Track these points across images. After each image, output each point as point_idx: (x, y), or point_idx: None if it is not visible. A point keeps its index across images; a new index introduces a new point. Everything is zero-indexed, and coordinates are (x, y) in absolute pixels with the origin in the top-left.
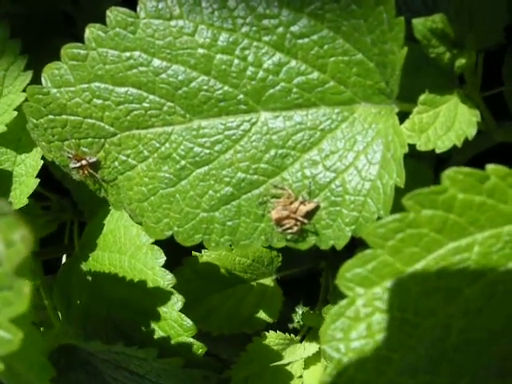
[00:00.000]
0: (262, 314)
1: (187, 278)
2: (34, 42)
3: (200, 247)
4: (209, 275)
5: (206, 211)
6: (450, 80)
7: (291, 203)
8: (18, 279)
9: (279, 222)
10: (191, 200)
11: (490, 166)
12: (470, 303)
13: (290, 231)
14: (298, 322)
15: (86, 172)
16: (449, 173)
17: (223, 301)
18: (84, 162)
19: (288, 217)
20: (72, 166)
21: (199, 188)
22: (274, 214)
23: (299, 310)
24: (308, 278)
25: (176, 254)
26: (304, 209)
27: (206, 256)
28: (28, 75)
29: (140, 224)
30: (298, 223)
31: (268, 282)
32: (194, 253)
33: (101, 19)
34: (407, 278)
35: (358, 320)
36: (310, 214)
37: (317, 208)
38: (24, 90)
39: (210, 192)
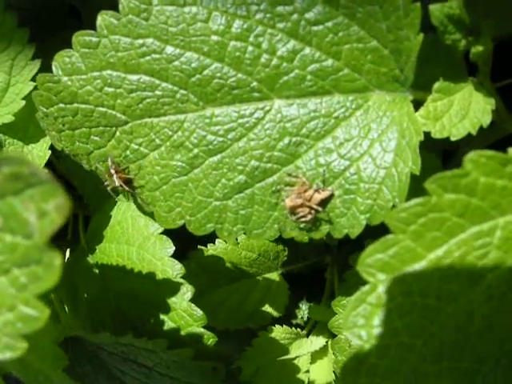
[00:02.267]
0: (267, 309)
1: (193, 272)
2: (39, 35)
3: (206, 241)
4: (214, 269)
5: (218, 200)
6: (462, 70)
7: (305, 191)
8: (49, 251)
9: (293, 210)
10: (204, 189)
11: (511, 149)
12: (493, 289)
13: (303, 219)
14: (302, 317)
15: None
16: (471, 156)
17: (229, 295)
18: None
19: (302, 205)
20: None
21: (212, 176)
22: (288, 202)
23: (303, 306)
24: (311, 274)
25: (182, 248)
26: (318, 197)
27: (211, 250)
28: (36, 64)
29: (151, 213)
30: (313, 211)
31: (274, 276)
32: (199, 247)
33: None
34: (429, 264)
35: (380, 306)
36: (324, 202)
37: (331, 196)
38: (32, 79)
39: (223, 180)
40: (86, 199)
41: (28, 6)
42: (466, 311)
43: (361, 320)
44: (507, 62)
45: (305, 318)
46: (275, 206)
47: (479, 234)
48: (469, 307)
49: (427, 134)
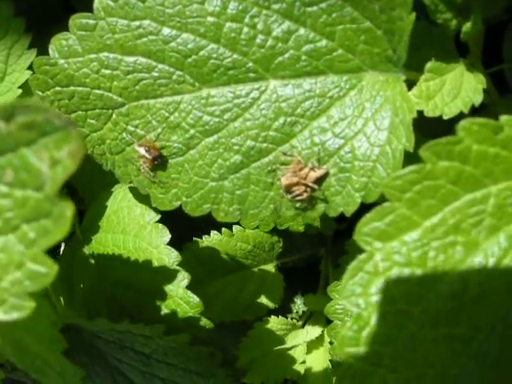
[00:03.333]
0: (263, 300)
1: (188, 264)
2: (33, 28)
3: (201, 234)
4: (209, 261)
5: (214, 180)
6: (453, 51)
7: (301, 169)
8: (60, 202)
9: (289, 188)
10: (200, 169)
11: (503, 117)
12: (488, 256)
13: (299, 198)
14: (297, 312)
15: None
16: (464, 123)
17: (224, 287)
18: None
19: (298, 183)
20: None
21: (208, 157)
22: (284, 181)
23: (298, 301)
24: (306, 269)
25: (178, 240)
26: (314, 175)
27: (206, 242)
28: (32, 53)
29: (147, 202)
30: (308, 189)
31: (269, 268)
32: (194, 238)
33: None
34: (425, 232)
35: (377, 274)
36: (319, 181)
37: (326, 174)
38: (28, 68)
39: (219, 161)
40: (81, 192)
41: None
42: (462, 278)
43: (358, 288)
44: (499, 48)
45: (300, 313)
46: (271, 185)
47: (473, 202)
48: (465, 274)
49: (421, 121)
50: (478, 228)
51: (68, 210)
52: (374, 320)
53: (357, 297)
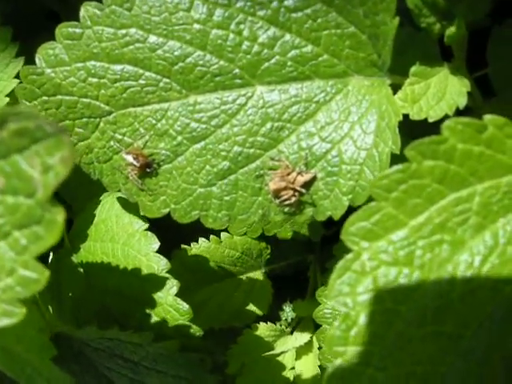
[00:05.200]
0: (251, 307)
1: (176, 271)
2: (19, 38)
3: (189, 240)
4: (198, 269)
5: (203, 186)
6: (437, 55)
7: (288, 174)
8: (51, 208)
9: (277, 193)
10: (188, 176)
11: (487, 116)
12: (474, 254)
13: (287, 202)
14: (286, 319)
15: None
16: (448, 123)
17: (212, 294)
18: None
19: (286, 187)
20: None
21: (196, 163)
22: (272, 185)
23: (286, 308)
24: (294, 277)
25: (166, 248)
26: (301, 179)
27: (194, 249)
28: (20, 62)
29: (135, 210)
30: (296, 194)
31: (257, 275)
32: (183, 246)
33: None
34: (411, 231)
35: (364, 274)
36: (307, 185)
37: (314, 178)
38: (16, 77)
39: (207, 167)
40: (69, 200)
41: (7, 10)
42: (448, 277)
43: (346, 288)
44: (483, 53)
45: (288, 320)
46: (259, 190)
47: (458, 201)
48: (452, 272)
49: (408, 125)
50: (464, 226)
51: (59, 215)
52: (361, 319)
53: (344, 296)
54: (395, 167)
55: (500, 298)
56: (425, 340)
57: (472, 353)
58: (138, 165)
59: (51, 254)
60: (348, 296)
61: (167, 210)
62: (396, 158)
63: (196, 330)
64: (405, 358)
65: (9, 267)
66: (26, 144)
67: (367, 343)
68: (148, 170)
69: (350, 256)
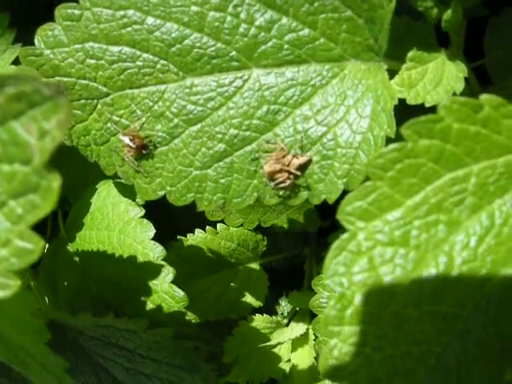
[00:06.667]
0: (248, 299)
1: (172, 262)
2: (17, 28)
3: (185, 232)
4: (194, 260)
5: (198, 169)
6: (434, 42)
7: (284, 157)
8: (47, 174)
9: (272, 175)
10: (184, 158)
11: (483, 96)
12: (470, 235)
13: (282, 185)
14: (282, 313)
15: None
16: (444, 102)
17: (208, 286)
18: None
19: (281, 170)
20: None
21: (192, 146)
22: (267, 168)
23: (282, 302)
24: (290, 271)
25: (162, 239)
26: (297, 162)
27: (191, 240)
28: (17, 48)
29: (132, 197)
30: (291, 176)
31: (253, 266)
32: (179, 237)
33: None
34: (407, 211)
35: (360, 254)
36: (302, 168)
37: (309, 162)
38: (13, 63)
39: (203, 149)
40: (65, 190)
41: (6, 2)
42: (446, 257)
43: (341, 268)
44: (481, 43)
45: (285, 314)
46: (254, 173)
47: (454, 181)
48: (449, 253)
49: (405, 113)
50: (460, 207)
51: (55, 182)
52: (357, 299)
53: (340, 276)
54: (391, 146)
55: (496, 279)
56: (421, 320)
57: (468, 333)
58: (134, 146)
59: (46, 243)
60: (344, 276)
61: (163, 192)
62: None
63: (192, 317)
64: (401, 338)
65: (4, 238)
66: (22, 109)
67: (363, 323)
68: (144, 152)
69: (345, 236)
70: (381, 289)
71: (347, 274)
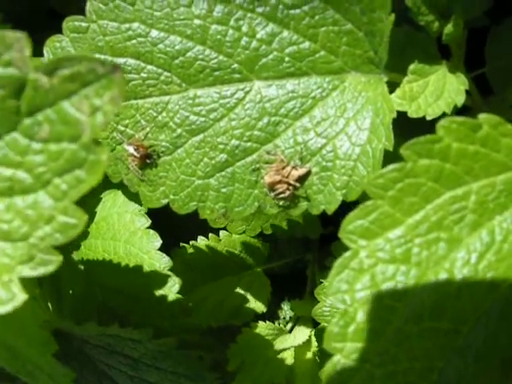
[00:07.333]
0: (250, 304)
1: (176, 269)
2: None
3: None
4: (197, 267)
5: (201, 178)
6: (435, 54)
7: (283, 168)
8: (96, 147)
9: (272, 186)
10: (187, 168)
11: (482, 115)
12: (471, 252)
13: (282, 196)
14: (284, 318)
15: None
16: (443, 122)
17: (211, 292)
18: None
19: (280, 181)
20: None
21: (195, 155)
22: (267, 179)
23: (285, 307)
24: (292, 276)
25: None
26: (296, 173)
27: (194, 247)
28: None
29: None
30: (291, 187)
31: (256, 273)
32: (182, 244)
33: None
34: (408, 229)
35: (362, 271)
36: (301, 179)
37: (308, 173)
38: None
39: (205, 159)
40: None
41: (7, 8)
42: (446, 274)
43: (344, 285)
44: (482, 52)
45: (287, 318)
46: (255, 183)
47: (454, 199)
48: (449, 269)
49: (405, 125)
50: (460, 224)
51: (103, 154)
52: (359, 316)
53: (343, 293)
54: (391, 166)
55: (496, 295)
56: (422, 336)
57: (469, 349)
58: (138, 156)
59: None
60: (346, 293)
61: (166, 200)
62: (391, 158)
63: (195, 324)
64: (402, 353)
65: (47, 215)
66: (75, 89)
67: (365, 339)
68: (148, 161)
69: (348, 254)
70: (382, 306)
71: (350, 292)
